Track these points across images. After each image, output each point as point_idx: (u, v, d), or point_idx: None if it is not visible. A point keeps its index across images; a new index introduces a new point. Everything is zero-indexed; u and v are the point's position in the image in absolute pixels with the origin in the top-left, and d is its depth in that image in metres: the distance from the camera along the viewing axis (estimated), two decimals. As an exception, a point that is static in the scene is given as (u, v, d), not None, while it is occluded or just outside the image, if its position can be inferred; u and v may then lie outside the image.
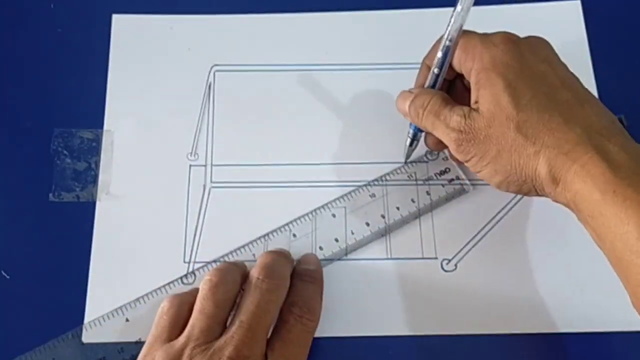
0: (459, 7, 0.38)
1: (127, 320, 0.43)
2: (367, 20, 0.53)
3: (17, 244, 0.46)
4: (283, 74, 0.51)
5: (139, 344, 0.41)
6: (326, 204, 0.46)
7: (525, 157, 0.37)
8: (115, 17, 0.53)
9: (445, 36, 0.40)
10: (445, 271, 0.44)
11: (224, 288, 0.39)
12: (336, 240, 0.45)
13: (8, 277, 0.45)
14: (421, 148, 0.46)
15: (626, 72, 0.50)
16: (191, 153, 0.48)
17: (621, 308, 0.38)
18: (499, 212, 0.46)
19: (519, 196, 0.46)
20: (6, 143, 0.49)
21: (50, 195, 0.47)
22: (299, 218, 0.46)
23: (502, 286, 0.44)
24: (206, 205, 0.47)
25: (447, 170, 0.47)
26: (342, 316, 0.43)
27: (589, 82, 0.49)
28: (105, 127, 0.49)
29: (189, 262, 0.45)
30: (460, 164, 0.44)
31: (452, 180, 0.47)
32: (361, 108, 0.50)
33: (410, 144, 0.46)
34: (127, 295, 0.44)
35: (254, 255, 0.45)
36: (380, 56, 0.51)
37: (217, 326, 0.38)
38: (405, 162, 0.47)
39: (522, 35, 0.39)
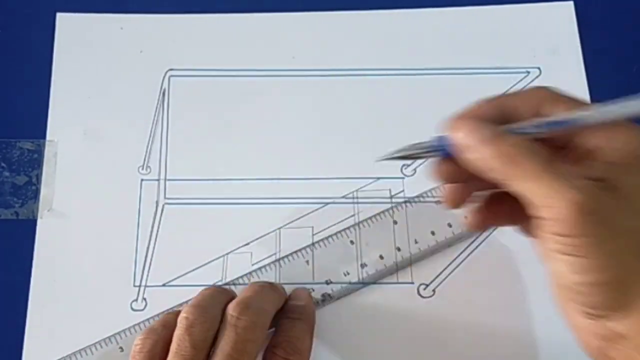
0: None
1: None
2: (337, 21, 0.51)
3: (-52, 267, 0.45)
4: (245, 79, 0.50)
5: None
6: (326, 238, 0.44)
7: None
8: (60, 16, 0.51)
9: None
10: (422, 297, 0.43)
11: (202, 327, 0.37)
12: (346, 273, 0.44)
13: (-63, 303, 0.44)
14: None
15: (619, 74, 0.50)
16: (143, 166, 0.47)
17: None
18: (481, 233, 0.45)
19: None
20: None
21: (-15, 212, 0.46)
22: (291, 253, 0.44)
23: (485, 314, 0.43)
24: (159, 223, 0.46)
25: None
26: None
27: (581, 84, 0.49)
28: (48, 137, 0.48)
29: (139, 286, 0.44)
30: (528, 235, 0.35)
31: None
32: (331, 118, 0.48)
33: (409, 157, 0.33)
34: (71, 322, 0.43)
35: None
36: (352, 61, 0.50)
37: None
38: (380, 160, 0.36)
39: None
